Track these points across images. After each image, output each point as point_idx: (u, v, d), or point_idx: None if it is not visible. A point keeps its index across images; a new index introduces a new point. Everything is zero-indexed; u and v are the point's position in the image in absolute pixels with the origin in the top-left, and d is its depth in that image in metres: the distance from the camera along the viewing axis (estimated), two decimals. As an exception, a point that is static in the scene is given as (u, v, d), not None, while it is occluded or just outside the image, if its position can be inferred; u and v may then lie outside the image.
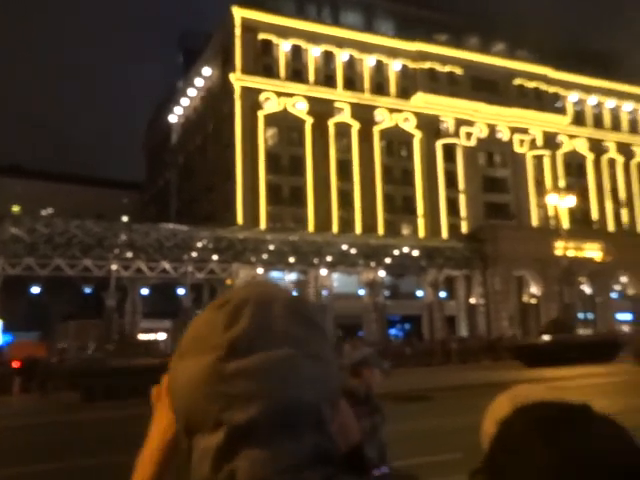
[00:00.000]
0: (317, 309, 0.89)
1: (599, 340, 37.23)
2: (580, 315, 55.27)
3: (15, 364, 30.75)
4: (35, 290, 41.21)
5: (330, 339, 0.85)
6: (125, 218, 52.29)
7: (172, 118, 79.31)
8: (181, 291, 45.07)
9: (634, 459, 0.73)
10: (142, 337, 48.89)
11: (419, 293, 54.17)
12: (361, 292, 51.93)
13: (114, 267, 41.63)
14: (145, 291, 45.71)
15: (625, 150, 76.42)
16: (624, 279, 58.38)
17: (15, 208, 72.17)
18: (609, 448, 0.73)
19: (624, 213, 74.60)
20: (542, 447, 0.74)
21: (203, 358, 0.77)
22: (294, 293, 0.87)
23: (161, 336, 53.24)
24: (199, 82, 70.16)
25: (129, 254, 42.29)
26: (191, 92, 72.56)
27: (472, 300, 55.39)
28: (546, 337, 35.80)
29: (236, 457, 0.72)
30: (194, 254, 44.22)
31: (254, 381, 0.74)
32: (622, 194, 75.03)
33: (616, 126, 78.08)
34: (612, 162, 75.55)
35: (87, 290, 43.47)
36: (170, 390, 0.82)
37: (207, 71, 67.92)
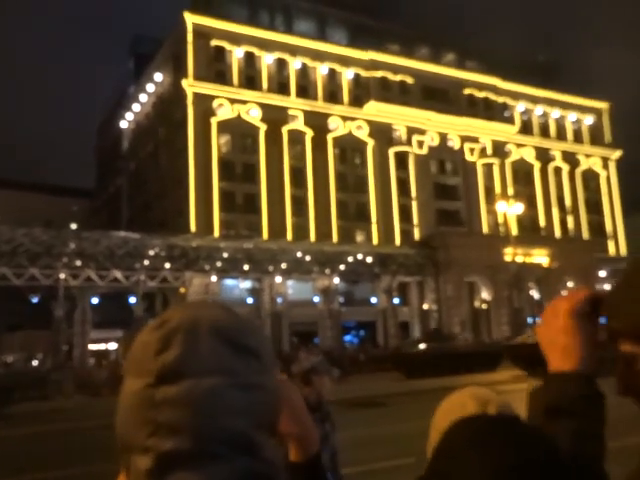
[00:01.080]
0: (257, 332, 0.86)
1: (481, 349, 35.78)
2: (529, 319, 56.62)
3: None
4: (-21, 300, 39.86)
5: (267, 364, 0.83)
6: (74, 226, 51.00)
7: (123, 124, 78.05)
8: (133, 300, 44.27)
9: (560, 474, 0.79)
10: (93, 347, 47.96)
11: (373, 299, 54.62)
12: (316, 299, 52.04)
13: (62, 276, 40.61)
14: (95, 300, 44.77)
15: (570, 159, 78.88)
16: (571, 284, 60.13)
17: (-42, 216, 69.68)
18: (535, 459, 0.79)
19: (570, 220, 76.90)
20: (478, 458, 0.78)
21: (136, 381, 0.78)
22: (234, 316, 0.85)
23: (112, 346, 52.21)
24: (151, 88, 69.28)
25: (78, 262, 41.32)
26: (142, 98, 71.60)
27: (425, 306, 56.15)
28: (422, 346, 34.57)
29: None
30: (146, 262, 43.52)
31: (181, 410, 0.75)
32: (568, 201, 77.37)
33: (561, 135, 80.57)
34: (558, 170, 77.87)
35: (34, 300, 42.28)
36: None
37: (159, 77, 67.14)
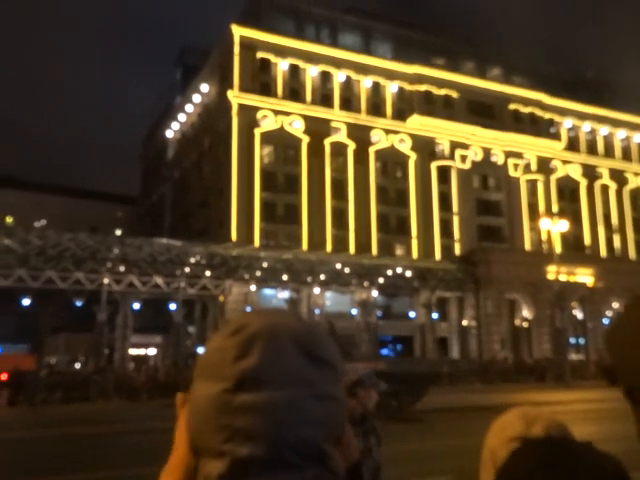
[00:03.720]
0: (330, 343, 0.87)
1: None
2: (572, 340, 55.34)
3: (2, 376, 30.45)
4: (26, 302, 40.91)
5: (339, 375, 0.85)
6: (119, 231, 52.09)
7: (169, 133, 79.55)
8: (173, 306, 44.86)
9: None
10: (133, 352, 48.73)
11: (411, 314, 54.12)
12: (354, 312, 51.84)
13: (106, 281, 41.43)
14: (136, 305, 45.53)
15: (618, 177, 77.07)
16: (616, 305, 58.54)
17: (8, 219, 71.91)
18: None
19: (616, 239, 75.00)
20: None
21: (212, 386, 0.79)
22: (308, 325, 0.87)
23: (151, 351, 52.94)
24: (197, 98, 70.48)
25: (122, 268, 42.12)
26: (188, 108, 72.88)
27: (464, 322, 55.38)
28: None
29: None
30: (187, 269, 44.08)
31: (259, 417, 0.76)
32: (614, 220, 75.51)
33: (609, 153, 78.82)
34: (605, 188, 76.15)
35: (78, 303, 43.20)
36: (188, 406, 0.85)
37: (205, 87, 68.28)
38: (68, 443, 16.56)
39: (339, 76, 65.32)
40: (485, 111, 70.55)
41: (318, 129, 61.92)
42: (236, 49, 60.88)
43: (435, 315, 52.96)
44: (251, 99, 60.13)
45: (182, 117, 75.10)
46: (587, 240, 72.49)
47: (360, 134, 63.92)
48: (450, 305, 56.89)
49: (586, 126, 77.55)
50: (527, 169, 71.60)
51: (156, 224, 78.27)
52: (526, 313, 56.63)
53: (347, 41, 67.94)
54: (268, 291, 50.30)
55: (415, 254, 62.28)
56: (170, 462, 0.90)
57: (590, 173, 75.44)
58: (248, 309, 46.24)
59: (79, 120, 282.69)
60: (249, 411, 0.76)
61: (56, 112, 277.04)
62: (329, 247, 57.92)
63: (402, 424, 19.01)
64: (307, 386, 0.79)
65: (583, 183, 74.72)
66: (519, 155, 71.35)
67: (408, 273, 51.27)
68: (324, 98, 64.41)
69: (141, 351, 51.87)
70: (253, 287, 46.88)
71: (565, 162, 74.30)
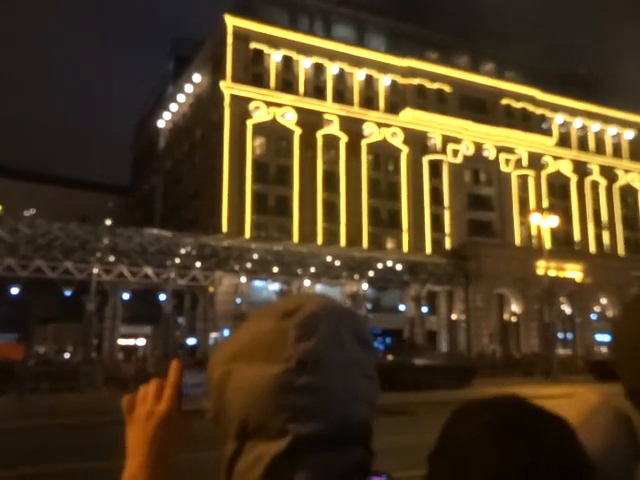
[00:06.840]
0: (367, 325, 0.93)
1: (451, 365, 33.45)
2: (560, 335, 55.68)
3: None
4: (15, 291, 40.64)
5: (376, 357, 0.91)
6: (109, 221, 51.79)
7: (160, 123, 79.10)
8: (162, 297, 44.69)
9: (580, 460, 0.75)
10: (122, 342, 48.58)
11: (401, 307, 54.26)
12: (343, 304, 51.86)
13: (95, 270, 41.22)
14: (126, 296, 45.31)
15: (608, 173, 77.45)
16: (604, 301, 58.97)
17: (-3, 207, 71.20)
18: (556, 448, 0.74)
19: (605, 235, 75.45)
20: (490, 452, 0.75)
21: (271, 367, 0.80)
22: (350, 308, 0.91)
23: (141, 342, 52.81)
24: (189, 88, 70.09)
25: (111, 258, 41.92)
26: (180, 98, 72.47)
27: (453, 316, 55.61)
28: (390, 357, 32.09)
29: (293, 466, 0.77)
30: (177, 260, 43.93)
31: (321, 397, 0.79)
32: (604, 216, 75.94)
33: (600, 149, 79.16)
34: (595, 184, 76.52)
35: (67, 293, 42.95)
36: (218, 391, 0.85)
37: (197, 78, 67.91)
38: (55, 433, 16.49)
39: (332, 68, 65.13)
40: (477, 106, 70.63)
41: (310, 121, 61.77)
42: (229, 39, 60.54)
43: (425, 309, 53.13)
44: (243, 90, 59.85)
45: (174, 107, 74.68)
46: (577, 236, 72.90)
47: (352, 127, 63.82)
48: (440, 299, 57.09)
49: (577, 122, 77.82)
50: (518, 164, 71.80)
51: (147, 214, 77.91)
52: (515, 308, 56.93)
53: (341, 33, 67.73)
54: (258, 283, 50.25)
55: (406, 248, 62.37)
56: (128, 472, 0.89)
57: (581, 169, 75.77)
58: (238, 301, 46.24)
59: (71, 110, 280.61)
60: (313, 391, 0.78)
61: (53, 102, 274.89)
62: (320, 239, 57.90)
63: (393, 416, 19.07)
64: (359, 367, 0.84)
65: (573, 179, 75.06)
66: (510, 150, 71.52)
67: (398, 266, 51.37)
68: (317, 90, 64.22)
69: (130, 341, 51.71)
70: (243, 279, 46.81)
71: (556, 158, 74.57)
